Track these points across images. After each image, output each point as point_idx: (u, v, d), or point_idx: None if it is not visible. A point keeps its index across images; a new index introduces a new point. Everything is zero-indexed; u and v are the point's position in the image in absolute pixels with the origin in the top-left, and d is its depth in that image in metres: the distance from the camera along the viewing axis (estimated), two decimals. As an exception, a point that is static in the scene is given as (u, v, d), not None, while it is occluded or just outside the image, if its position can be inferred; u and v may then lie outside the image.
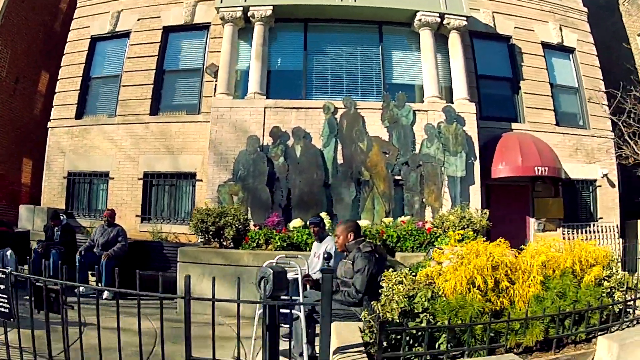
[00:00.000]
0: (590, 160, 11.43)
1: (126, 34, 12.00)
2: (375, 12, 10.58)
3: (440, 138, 9.70)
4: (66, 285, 3.42)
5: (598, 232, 11.44)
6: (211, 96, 10.68)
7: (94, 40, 12.28)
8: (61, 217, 10.06)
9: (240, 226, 8.65)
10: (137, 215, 10.95)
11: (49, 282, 3.54)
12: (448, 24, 10.49)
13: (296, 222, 8.64)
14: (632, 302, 3.89)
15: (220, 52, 10.76)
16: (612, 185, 11.73)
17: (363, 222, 8.55)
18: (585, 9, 12.67)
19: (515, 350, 3.27)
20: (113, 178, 11.27)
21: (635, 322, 3.73)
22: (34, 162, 13.79)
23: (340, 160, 9.63)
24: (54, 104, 12.22)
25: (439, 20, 10.41)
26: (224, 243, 8.74)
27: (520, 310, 3.50)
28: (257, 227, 8.78)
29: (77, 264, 8.46)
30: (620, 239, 11.50)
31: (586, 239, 11.18)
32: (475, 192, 9.78)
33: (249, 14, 10.47)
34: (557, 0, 12.42)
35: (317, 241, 6.57)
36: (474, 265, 3.71)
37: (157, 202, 11.04)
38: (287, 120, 9.81)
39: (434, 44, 10.37)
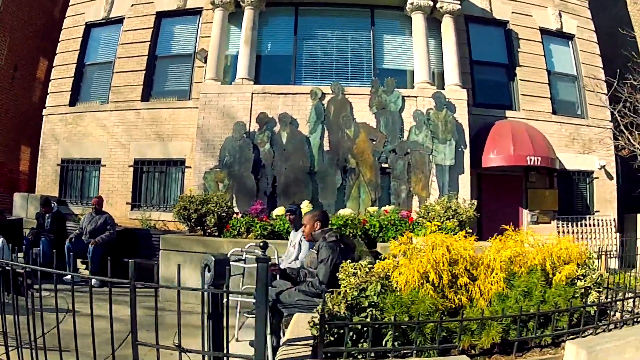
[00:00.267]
0: (587, 151, 11.13)
1: (120, 20, 11.99)
2: (367, -6, 10.41)
3: (429, 125, 9.51)
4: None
5: (594, 225, 11.18)
6: (201, 82, 10.62)
7: (89, 27, 12.31)
8: (52, 204, 10.12)
9: (223, 214, 8.60)
10: (127, 203, 10.99)
11: (16, 267, 3.55)
12: (441, 7, 10.25)
13: (280, 210, 8.53)
14: (610, 304, 3.64)
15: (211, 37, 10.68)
16: (610, 178, 11.43)
17: (345, 211, 8.45)
18: (587, -5, 12.32)
19: (471, 352, 3.09)
20: (105, 165, 11.31)
21: (613, 326, 3.45)
22: (32, 149, 13.90)
23: (326, 147, 9.51)
24: (49, 91, 12.32)
25: (431, 3, 10.18)
26: (208, 231, 8.70)
27: (481, 308, 3.33)
28: (241, 215, 8.73)
29: (65, 251, 8.53)
30: (618, 234, 11.23)
31: (581, 232, 11.02)
32: (464, 181, 9.59)
33: (239, -2, 10.37)
34: (557, -15, 12.09)
35: (293, 230, 6.46)
36: (428, 259, 3.55)
37: (147, 189, 11.05)
38: (274, 106, 9.71)
39: (425, 28, 10.15)
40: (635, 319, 3.56)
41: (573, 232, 10.96)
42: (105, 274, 3.12)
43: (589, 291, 3.65)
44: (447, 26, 10.32)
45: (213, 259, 3.38)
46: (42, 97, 13.80)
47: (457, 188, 9.47)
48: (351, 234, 7.69)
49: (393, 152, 9.44)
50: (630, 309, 3.69)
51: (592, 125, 11.28)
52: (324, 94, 9.70)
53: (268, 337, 4.53)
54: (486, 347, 3.12)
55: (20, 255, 8.15)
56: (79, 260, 8.99)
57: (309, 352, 2.91)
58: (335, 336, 2.93)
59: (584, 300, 3.59)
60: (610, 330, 3.40)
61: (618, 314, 3.66)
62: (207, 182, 9.51)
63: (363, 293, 3.39)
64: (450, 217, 8.36)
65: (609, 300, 3.66)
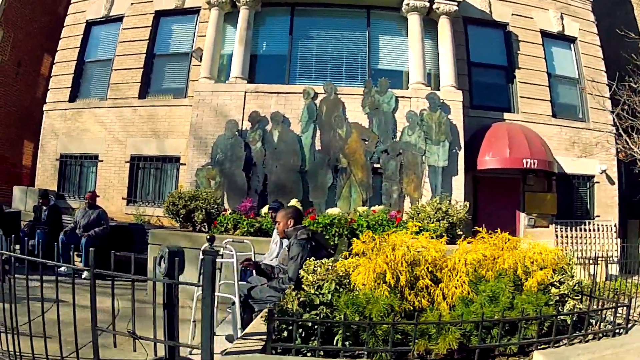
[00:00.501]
0: (588, 155, 10.93)
1: (119, 19, 12.10)
2: (364, -5, 10.36)
3: (423, 126, 9.41)
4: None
5: (594, 230, 10.95)
6: (197, 80, 10.65)
7: (89, 25, 12.45)
8: (50, 198, 10.24)
9: (212, 210, 8.63)
10: (123, 198, 11.07)
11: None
12: (437, 8, 10.16)
13: (267, 208, 8.53)
14: (587, 313, 3.35)
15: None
16: (612, 182, 11.20)
17: (333, 210, 8.39)
18: (591, -2, 12.11)
19: (428, 358, 2.98)
20: (102, 161, 11.40)
21: (592, 337, 3.23)
22: (35, 144, 14.04)
23: (318, 146, 9.46)
24: (49, 87, 12.48)
25: (428, 4, 10.09)
26: (198, 227, 8.74)
27: (444, 312, 3.21)
28: (230, 212, 8.74)
29: (59, 244, 8.62)
30: (619, 239, 10.99)
31: (581, 237, 10.82)
32: (458, 183, 9.46)
33: (235, -3, 10.39)
34: (559, -13, 11.91)
35: (276, 227, 6.45)
36: (384, 259, 3.47)
37: (142, 185, 11.12)
38: (266, 105, 9.70)
39: (421, 29, 10.06)
40: (616, 331, 3.34)
41: (572, 237, 10.77)
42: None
43: (566, 299, 3.44)
44: (444, 27, 10.22)
45: (167, 250, 3.42)
46: (45, 93, 13.91)
47: (451, 190, 9.35)
48: (337, 233, 7.63)
49: (385, 153, 9.36)
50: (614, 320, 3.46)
51: (594, 129, 11.08)
52: (317, 93, 9.66)
53: (238, 331, 4.51)
54: (442, 353, 2.99)
55: (18, 246, 8.29)
56: (74, 253, 9.10)
57: (260, 347, 2.88)
58: (287, 333, 2.90)
59: (560, 308, 3.39)
60: (587, 341, 3.20)
61: (601, 324, 3.46)
62: (199, 179, 9.54)
63: (320, 290, 3.35)
64: (440, 218, 8.26)
65: (582, 309, 3.38)
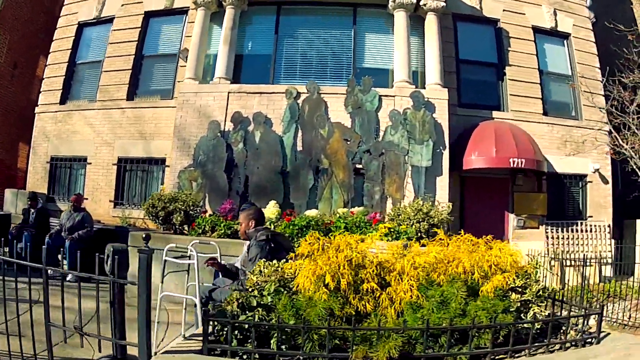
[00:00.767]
0: (580, 154, 10.64)
1: (110, 20, 12.14)
2: (350, -8, 10.23)
3: (406, 125, 9.25)
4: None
5: (587, 231, 10.68)
6: (182, 81, 10.63)
7: (81, 27, 12.52)
8: (38, 200, 10.31)
9: (191, 212, 8.62)
10: (110, 201, 11.10)
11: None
12: (425, 5, 9.98)
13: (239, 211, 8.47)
14: (550, 321, 3.08)
15: (194, 37, 10.68)
16: (605, 182, 10.93)
17: (311, 212, 8.31)
18: (586, -7, 11.81)
19: None
20: (90, 163, 11.45)
21: (559, 346, 2.99)
22: (30, 146, 14.21)
23: (300, 146, 9.38)
24: (41, 90, 12.55)
25: (414, 1, 9.92)
26: (178, 229, 8.72)
27: (391, 318, 3.07)
28: (208, 214, 8.72)
29: (45, 246, 8.68)
30: (613, 240, 10.71)
31: (572, 238, 10.57)
32: (442, 183, 9.30)
33: (221, -3, 10.34)
34: (553, -18, 11.64)
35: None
36: (324, 261, 3.37)
37: (129, 188, 11.14)
38: (249, 105, 9.63)
39: (407, 26, 9.89)
40: (587, 340, 3.10)
41: (563, 238, 10.53)
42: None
43: (530, 305, 3.21)
44: (431, 24, 10.05)
45: (112, 249, 3.49)
46: (39, 95, 14.12)
47: (435, 190, 9.19)
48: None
49: (367, 153, 9.23)
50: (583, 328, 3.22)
51: (587, 127, 10.77)
52: (299, 93, 9.57)
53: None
54: None
55: (7, 249, 8.38)
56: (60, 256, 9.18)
57: (200, 346, 2.88)
58: (223, 334, 2.89)
59: (523, 316, 3.17)
60: (552, 352, 2.97)
61: (573, 332, 3.21)
62: (181, 181, 9.52)
63: (262, 292, 3.29)
64: (421, 220, 8.12)
65: (550, 318, 3.13)
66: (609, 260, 10.47)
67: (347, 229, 7.90)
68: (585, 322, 3.27)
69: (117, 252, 3.54)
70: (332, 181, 9.14)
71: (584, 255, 8.90)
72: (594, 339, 3.07)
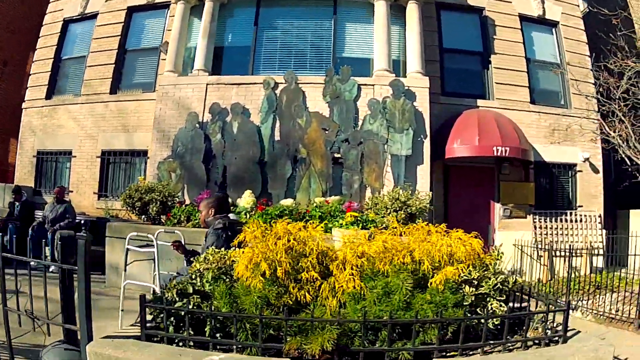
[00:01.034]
0: (570, 143, 10.43)
1: (95, 16, 12.15)
2: (330, -19, 10.10)
3: (385, 114, 9.10)
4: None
5: (577, 221, 10.47)
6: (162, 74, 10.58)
7: (66, 23, 12.55)
8: (22, 194, 10.37)
9: (168, 202, 8.56)
10: (94, 193, 11.09)
11: None
12: (405, -7, 9.84)
13: (222, 199, 8.37)
14: (507, 318, 2.75)
15: (175, 30, 10.62)
16: (596, 171, 10.68)
17: (286, 202, 8.20)
18: (575, -20, 11.54)
19: (305, 357, 2.68)
20: (75, 156, 11.46)
21: (521, 344, 2.74)
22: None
23: (277, 137, 9.26)
24: (28, 85, 12.58)
25: (395, -11, 9.78)
26: (155, 219, 8.66)
27: (332, 309, 2.88)
28: (185, 205, 8.65)
29: (29, 238, 8.78)
30: (604, 230, 10.46)
31: (561, 228, 10.34)
32: (423, 172, 9.12)
33: (201, -11, 10.27)
34: (541, -31, 11.39)
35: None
36: (261, 249, 3.26)
37: (112, 180, 11.14)
38: (227, 96, 9.54)
39: (387, 15, 9.73)
40: (553, 339, 2.82)
41: (552, 228, 10.31)
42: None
43: (488, 299, 2.97)
44: (412, 13, 9.89)
45: (60, 236, 3.50)
46: (29, 92, 14.17)
47: (415, 179, 9.02)
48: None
49: (346, 142, 9.08)
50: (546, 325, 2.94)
51: (576, 115, 10.51)
52: (277, 83, 9.46)
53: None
54: (315, 353, 2.66)
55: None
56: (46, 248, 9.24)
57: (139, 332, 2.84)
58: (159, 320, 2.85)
59: (480, 311, 2.92)
60: (510, 350, 2.72)
61: (540, 329, 2.94)
62: (161, 172, 9.46)
63: (203, 279, 3.21)
64: (398, 209, 7.97)
65: (509, 315, 2.83)
66: (601, 251, 10.24)
67: (322, 218, 7.79)
68: (551, 319, 2.98)
69: (63, 238, 3.53)
70: (310, 171, 9.01)
71: (570, 245, 8.65)
72: (559, 338, 2.82)
